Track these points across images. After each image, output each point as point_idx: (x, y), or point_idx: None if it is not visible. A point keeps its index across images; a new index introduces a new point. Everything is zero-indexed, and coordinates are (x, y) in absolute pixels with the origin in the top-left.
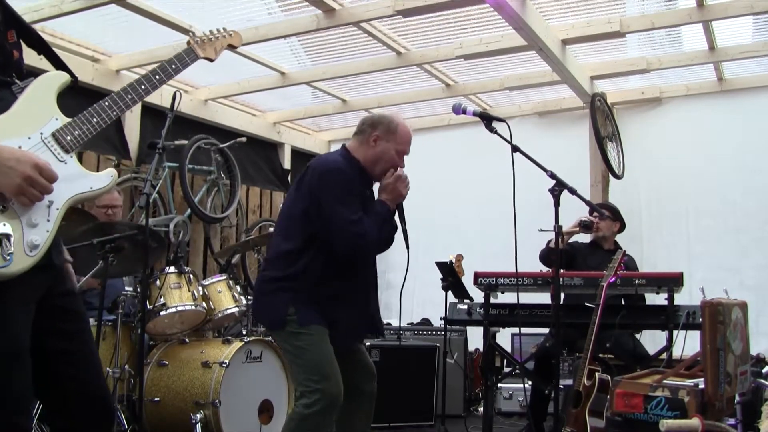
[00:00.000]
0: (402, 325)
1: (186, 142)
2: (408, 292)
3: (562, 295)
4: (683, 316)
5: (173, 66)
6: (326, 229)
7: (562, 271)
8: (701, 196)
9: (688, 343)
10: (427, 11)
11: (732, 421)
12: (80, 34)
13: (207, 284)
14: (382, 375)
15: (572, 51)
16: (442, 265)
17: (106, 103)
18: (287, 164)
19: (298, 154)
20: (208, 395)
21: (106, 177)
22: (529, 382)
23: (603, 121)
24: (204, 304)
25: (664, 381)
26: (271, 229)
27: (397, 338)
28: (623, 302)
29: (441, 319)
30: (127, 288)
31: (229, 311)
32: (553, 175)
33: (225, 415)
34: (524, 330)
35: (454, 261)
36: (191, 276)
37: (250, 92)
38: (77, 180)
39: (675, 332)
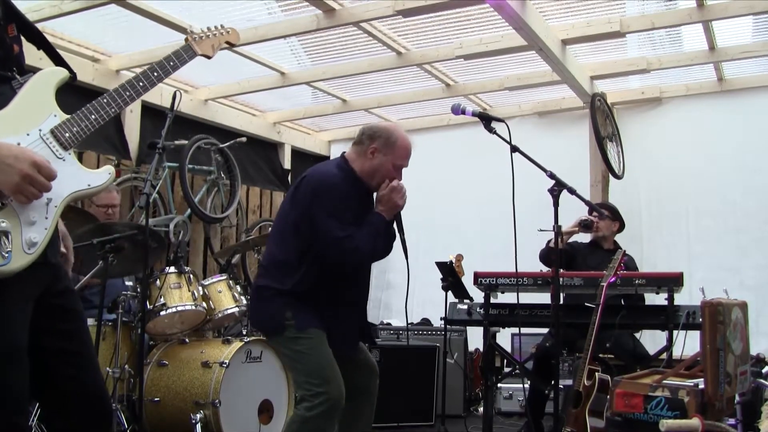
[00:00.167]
0: (402, 325)
1: (186, 142)
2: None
3: (562, 295)
4: (683, 316)
5: (171, 63)
6: (318, 242)
7: (562, 271)
8: (701, 196)
9: (688, 343)
10: (427, 11)
11: (732, 421)
12: (80, 34)
13: (207, 284)
14: (382, 375)
15: (572, 51)
16: (442, 265)
17: (105, 100)
18: (287, 164)
19: (298, 154)
20: (208, 395)
21: (104, 174)
22: (529, 382)
23: (603, 121)
24: (204, 304)
25: (664, 381)
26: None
27: (402, 338)
28: (623, 302)
29: (441, 319)
30: (127, 283)
31: (229, 311)
32: (552, 175)
33: (225, 415)
34: (524, 330)
35: (454, 261)
36: (191, 276)
37: (250, 92)
38: (75, 177)
39: (675, 332)
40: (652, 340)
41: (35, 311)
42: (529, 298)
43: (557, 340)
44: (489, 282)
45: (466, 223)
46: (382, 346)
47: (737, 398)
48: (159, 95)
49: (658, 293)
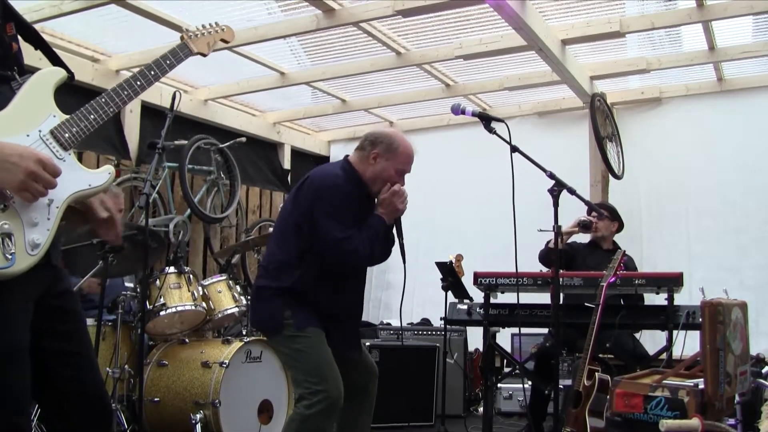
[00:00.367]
0: (402, 325)
1: (186, 142)
2: (408, 292)
3: (562, 295)
4: (683, 316)
5: (167, 61)
6: (318, 243)
7: (561, 271)
8: (701, 196)
9: (688, 343)
10: (426, 11)
11: (732, 421)
12: (80, 34)
13: (207, 284)
14: (382, 375)
15: (572, 51)
16: (442, 265)
17: (103, 100)
18: (287, 164)
19: (297, 154)
20: (208, 395)
21: (104, 174)
22: (529, 382)
23: (603, 121)
24: (204, 304)
25: (664, 381)
26: (271, 229)
27: (403, 337)
28: (623, 302)
29: (441, 319)
30: (127, 284)
31: (229, 311)
32: (552, 176)
33: (225, 415)
34: (524, 330)
35: (454, 261)
36: (191, 276)
37: (250, 92)
38: (76, 178)
39: (675, 332)
40: (651, 340)
41: (35, 312)
42: (529, 298)
43: (557, 340)
44: (489, 282)
45: (466, 223)
46: (381, 346)
47: (737, 398)
48: (159, 95)
49: (657, 293)
